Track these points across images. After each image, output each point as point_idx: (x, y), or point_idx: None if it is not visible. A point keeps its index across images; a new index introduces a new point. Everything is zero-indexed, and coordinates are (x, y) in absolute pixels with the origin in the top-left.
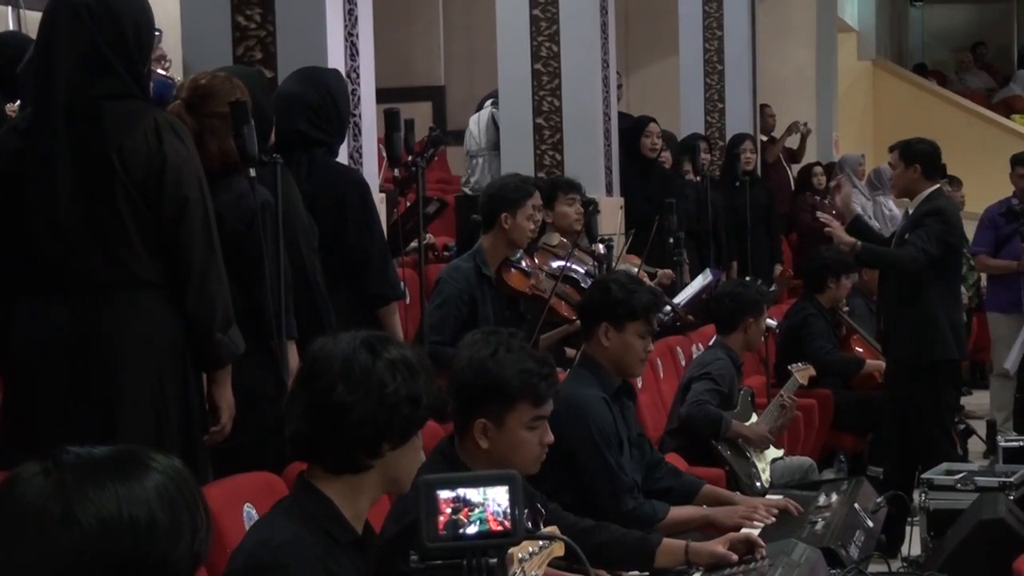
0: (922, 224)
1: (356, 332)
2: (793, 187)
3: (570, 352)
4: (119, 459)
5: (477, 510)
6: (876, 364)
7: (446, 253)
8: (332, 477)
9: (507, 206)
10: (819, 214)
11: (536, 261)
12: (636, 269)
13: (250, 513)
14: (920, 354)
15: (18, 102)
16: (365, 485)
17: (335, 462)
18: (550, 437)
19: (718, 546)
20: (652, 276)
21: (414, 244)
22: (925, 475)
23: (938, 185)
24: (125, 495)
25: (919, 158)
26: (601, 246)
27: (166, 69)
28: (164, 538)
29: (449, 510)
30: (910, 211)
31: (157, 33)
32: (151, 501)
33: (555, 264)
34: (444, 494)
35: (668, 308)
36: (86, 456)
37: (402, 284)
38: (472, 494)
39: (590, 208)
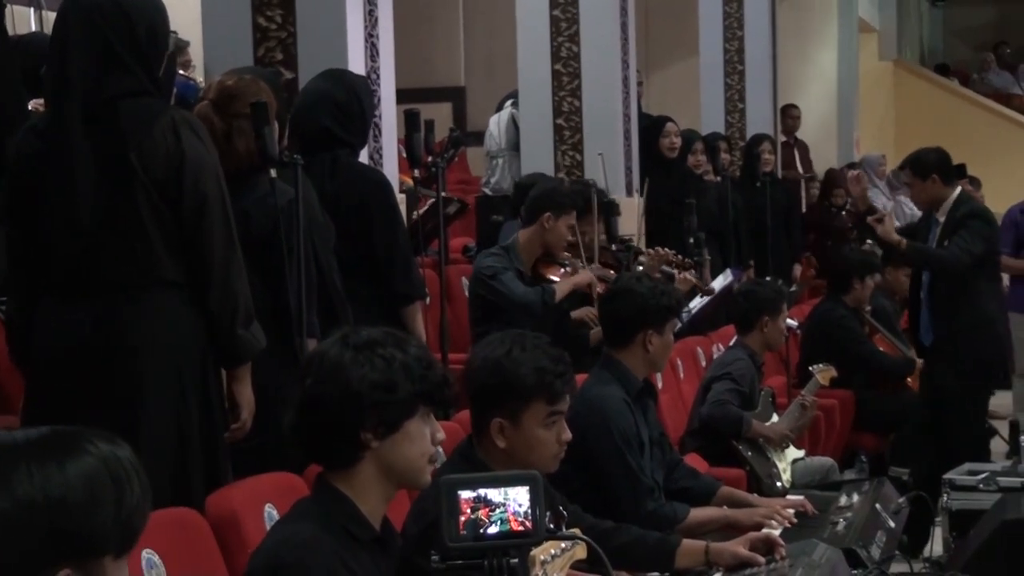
0: (964, 226)
1: (349, 328)
2: (816, 192)
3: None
4: (45, 440)
5: (498, 510)
6: (920, 363)
7: (467, 255)
8: (337, 475)
9: (553, 208)
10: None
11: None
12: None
13: (271, 513)
14: (978, 355)
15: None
16: (366, 479)
17: (324, 457)
18: (568, 434)
19: (740, 547)
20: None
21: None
22: (947, 475)
23: (959, 188)
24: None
25: (933, 168)
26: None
27: (190, 73)
28: (80, 512)
29: (470, 510)
30: (940, 219)
31: (185, 42)
32: (69, 480)
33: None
34: (465, 494)
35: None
36: (8, 439)
37: (424, 284)
38: (493, 494)
39: (610, 209)
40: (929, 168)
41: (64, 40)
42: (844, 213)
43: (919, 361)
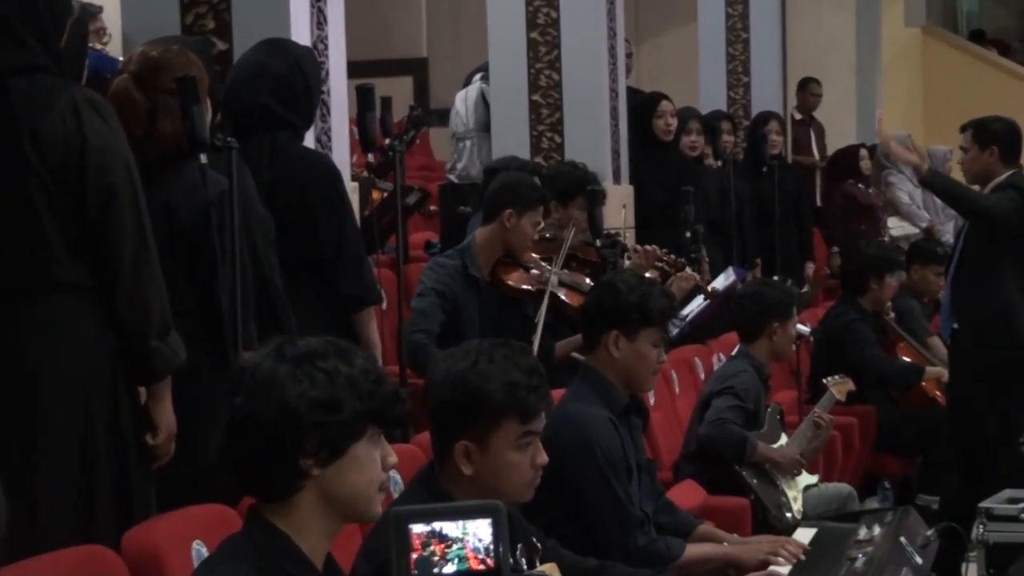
0: (994, 191)
1: (283, 338)
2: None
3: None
4: None
5: (455, 546)
6: (937, 371)
7: (429, 253)
8: (273, 507)
9: (517, 203)
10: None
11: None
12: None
13: (200, 551)
14: (990, 353)
15: None
16: (306, 512)
17: (258, 486)
18: (543, 457)
19: None
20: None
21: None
22: (984, 504)
23: (1014, 172)
24: None
25: (996, 139)
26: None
27: (104, 44)
28: None
29: (421, 545)
30: None
31: (97, 8)
32: None
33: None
34: (417, 528)
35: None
36: None
37: (378, 286)
38: (449, 528)
39: (595, 198)
40: (992, 137)
41: None
42: (872, 190)
43: (937, 370)
